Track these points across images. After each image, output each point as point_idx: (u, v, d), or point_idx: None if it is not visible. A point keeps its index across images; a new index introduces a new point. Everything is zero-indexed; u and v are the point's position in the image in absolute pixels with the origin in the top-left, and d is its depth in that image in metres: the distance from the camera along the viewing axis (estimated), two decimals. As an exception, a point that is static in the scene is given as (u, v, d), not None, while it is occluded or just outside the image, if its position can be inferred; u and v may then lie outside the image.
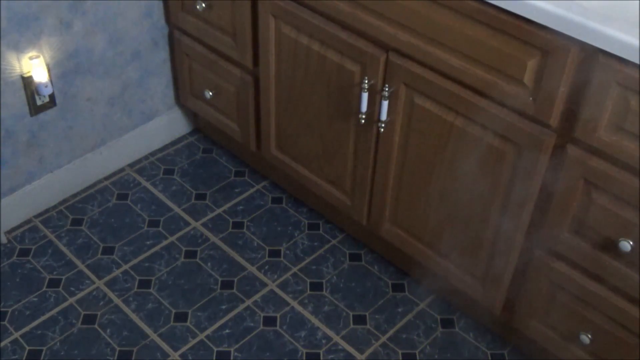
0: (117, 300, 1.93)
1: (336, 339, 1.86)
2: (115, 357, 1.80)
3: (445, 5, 1.45)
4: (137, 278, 1.99)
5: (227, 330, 1.87)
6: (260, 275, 2.01)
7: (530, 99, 1.41)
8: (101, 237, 2.09)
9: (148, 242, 2.09)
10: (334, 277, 2.01)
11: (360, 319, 1.91)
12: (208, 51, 2.08)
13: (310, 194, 2.14)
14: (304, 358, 1.82)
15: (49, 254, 2.04)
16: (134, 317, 1.89)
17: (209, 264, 2.03)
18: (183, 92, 2.28)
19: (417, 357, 1.83)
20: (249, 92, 2.03)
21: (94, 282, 1.97)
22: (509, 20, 1.36)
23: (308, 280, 2.00)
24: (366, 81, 1.66)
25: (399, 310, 1.94)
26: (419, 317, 1.92)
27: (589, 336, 1.55)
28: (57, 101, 2.03)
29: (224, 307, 1.93)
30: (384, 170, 1.78)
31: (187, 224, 2.15)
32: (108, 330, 1.86)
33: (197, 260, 2.04)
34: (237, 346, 1.84)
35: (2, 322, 1.86)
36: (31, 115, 1.99)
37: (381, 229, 1.90)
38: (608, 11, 1.26)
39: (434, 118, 1.60)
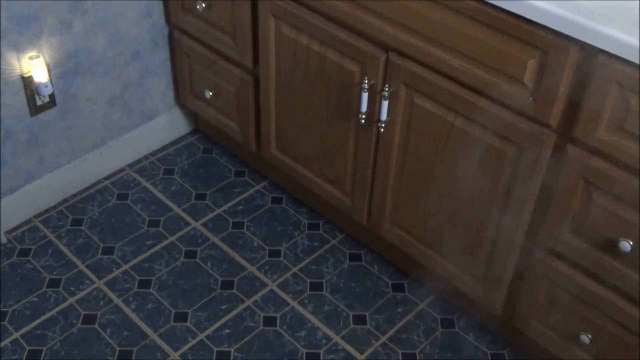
0: (117, 300, 1.93)
1: (336, 339, 1.86)
2: (115, 357, 1.80)
3: (445, 5, 1.45)
4: (137, 278, 1.99)
5: (227, 330, 1.87)
6: (260, 275, 2.01)
7: (530, 99, 1.41)
8: (101, 237, 2.09)
9: (148, 242, 2.09)
10: (334, 277, 2.01)
11: (360, 319, 1.91)
12: (208, 51, 2.08)
13: (310, 194, 2.14)
14: (304, 358, 1.82)
15: (49, 254, 2.04)
16: (134, 317, 1.89)
17: (209, 264, 2.04)
18: (183, 92, 2.28)
19: (417, 357, 1.83)
20: (249, 92, 2.03)
21: (94, 282, 1.97)
22: (509, 20, 1.36)
23: (308, 280, 2.00)
24: (366, 81, 1.66)
25: (399, 310, 1.94)
26: (419, 317, 1.92)
27: (589, 336, 1.55)
28: (57, 101, 2.03)
29: (224, 307, 1.93)
30: (384, 170, 1.78)
31: (187, 224, 2.15)
32: (108, 330, 1.86)
33: (197, 260, 2.04)
34: (237, 346, 1.84)
35: (2, 322, 1.86)
36: (31, 115, 1.99)
37: (381, 229, 1.90)
38: (608, 11, 1.26)
39: (434, 118, 1.60)
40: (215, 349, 1.83)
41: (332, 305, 1.94)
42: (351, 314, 1.92)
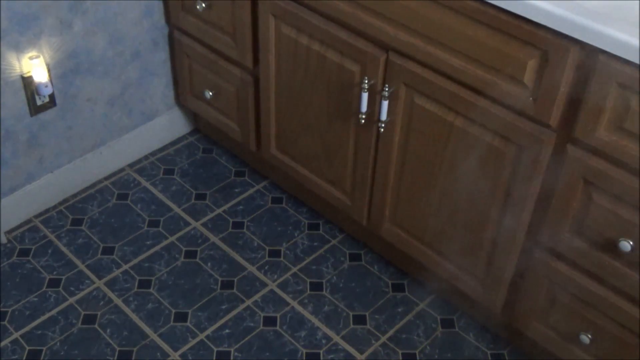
0: (117, 300, 1.93)
1: (336, 339, 1.86)
2: (115, 357, 1.80)
3: (445, 5, 1.45)
4: (137, 278, 1.99)
5: (227, 330, 1.87)
6: (260, 275, 2.01)
7: (530, 99, 1.41)
8: (101, 237, 2.09)
9: (148, 242, 2.09)
10: (334, 277, 2.01)
11: (360, 319, 1.91)
12: (208, 51, 2.08)
13: (310, 194, 2.14)
14: (304, 358, 1.82)
15: (49, 254, 2.04)
16: (134, 317, 1.89)
17: (209, 264, 2.04)
18: (183, 92, 2.28)
19: (417, 357, 1.83)
20: (249, 92, 2.03)
21: (94, 282, 1.97)
22: (509, 20, 1.36)
23: (308, 280, 2.00)
24: (366, 81, 1.66)
25: (399, 310, 1.94)
26: (419, 317, 1.92)
27: (589, 336, 1.55)
28: (57, 101, 2.03)
29: (224, 307, 1.93)
30: (384, 170, 1.78)
31: (187, 224, 2.15)
32: (108, 330, 1.86)
33: (197, 260, 2.04)
34: (237, 346, 1.84)
35: (2, 322, 1.86)
36: (31, 115, 1.99)
37: (381, 229, 1.90)
38: (608, 11, 1.26)
39: (434, 118, 1.60)
40: (215, 349, 1.83)
41: (332, 305, 1.94)
42: (351, 314, 1.92)
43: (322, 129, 1.87)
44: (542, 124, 1.43)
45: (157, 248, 2.07)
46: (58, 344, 1.82)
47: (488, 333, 1.88)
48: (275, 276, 2.01)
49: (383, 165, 1.77)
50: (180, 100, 2.34)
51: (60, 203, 2.19)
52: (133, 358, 1.80)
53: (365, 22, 1.61)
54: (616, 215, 1.39)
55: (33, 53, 1.91)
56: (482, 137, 1.53)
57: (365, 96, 1.67)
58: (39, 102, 1.99)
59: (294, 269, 2.03)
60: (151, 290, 1.96)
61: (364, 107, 1.69)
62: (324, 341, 1.86)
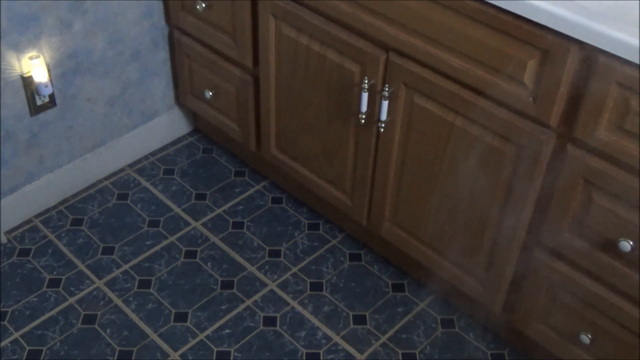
0: (117, 300, 1.93)
1: (336, 339, 1.86)
2: (115, 357, 1.80)
3: (445, 5, 1.45)
4: (137, 278, 1.99)
5: (227, 330, 1.87)
6: (260, 275, 2.01)
7: (530, 99, 1.41)
8: (101, 237, 2.09)
9: (148, 242, 2.09)
10: (334, 277, 2.01)
11: (360, 319, 1.91)
12: (208, 51, 2.08)
13: (310, 194, 2.14)
14: (304, 358, 1.82)
15: (49, 254, 2.04)
16: (134, 317, 1.89)
17: (209, 264, 2.03)
18: (183, 92, 2.28)
19: (417, 357, 1.83)
20: (249, 92, 2.03)
21: (94, 282, 1.97)
22: (509, 20, 1.36)
23: (308, 280, 2.00)
24: (366, 81, 1.66)
25: (399, 310, 1.94)
26: (419, 317, 1.92)
27: (589, 336, 1.55)
28: (57, 101, 2.03)
29: (224, 307, 1.93)
30: (384, 170, 1.78)
31: (187, 224, 2.15)
32: (108, 330, 1.86)
33: (197, 260, 2.04)
34: (237, 346, 1.84)
35: (2, 322, 1.86)
36: (31, 115, 1.99)
37: (381, 229, 1.90)
38: (608, 11, 1.26)
39: (434, 118, 1.60)
40: (215, 349, 1.83)
41: (332, 305, 1.94)
42: (351, 314, 1.92)
43: (322, 129, 1.87)
44: (542, 124, 1.43)
45: (157, 248, 2.07)
46: (58, 344, 1.82)
47: (488, 333, 1.88)
48: (275, 276, 2.01)
49: (383, 165, 1.77)
50: (180, 100, 2.34)
51: (60, 203, 2.19)
52: (133, 358, 1.80)
53: (365, 22, 1.61)
54: (616, 215, 1.39)
55: (33, 53, 1.91)
56: (482, 137, 1.53)
57: (365, 96, 1.67)
58: (39, 102, 1.99)
59: (294, 269, 2.03)
60: (151, 290, 1.96)
61: (364, 107, 1.69)
62: (324, 341, 1.86)
